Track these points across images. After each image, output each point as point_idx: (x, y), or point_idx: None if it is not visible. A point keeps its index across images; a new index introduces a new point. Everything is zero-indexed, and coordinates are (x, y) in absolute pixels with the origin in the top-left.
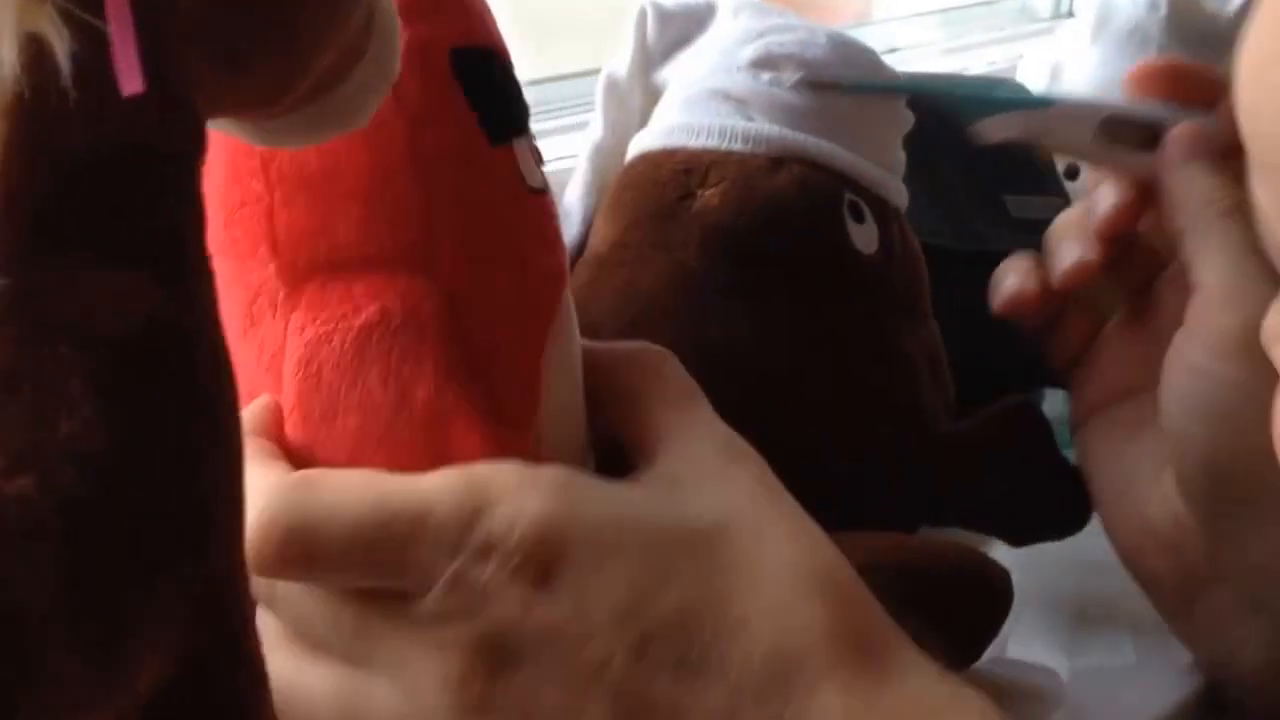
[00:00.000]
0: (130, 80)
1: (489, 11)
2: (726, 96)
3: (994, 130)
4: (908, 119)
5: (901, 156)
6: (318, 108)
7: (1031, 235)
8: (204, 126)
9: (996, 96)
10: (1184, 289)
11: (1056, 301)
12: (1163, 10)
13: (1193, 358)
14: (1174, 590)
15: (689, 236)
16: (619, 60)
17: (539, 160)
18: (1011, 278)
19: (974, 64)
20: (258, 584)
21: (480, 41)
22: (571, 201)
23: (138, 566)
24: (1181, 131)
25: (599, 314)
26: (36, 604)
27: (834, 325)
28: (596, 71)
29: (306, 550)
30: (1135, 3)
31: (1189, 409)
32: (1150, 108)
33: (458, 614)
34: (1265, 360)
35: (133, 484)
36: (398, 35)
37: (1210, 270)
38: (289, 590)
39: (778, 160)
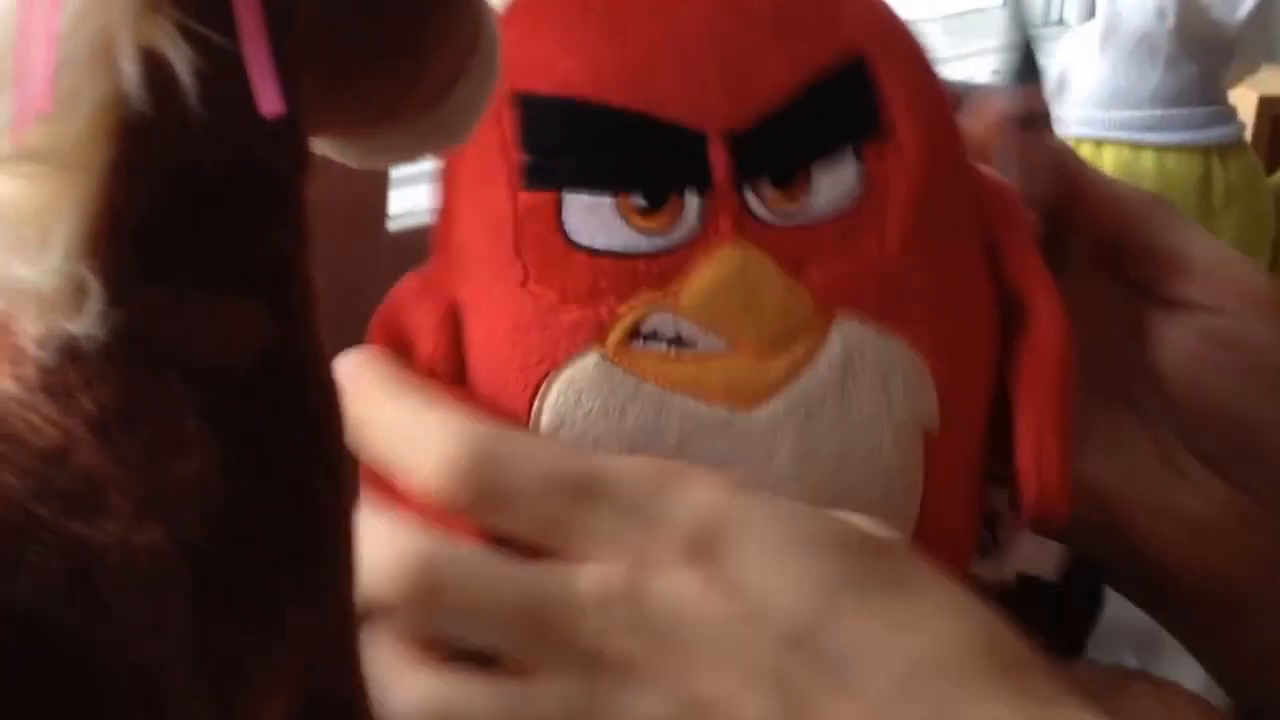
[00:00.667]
0: (269, 100)
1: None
2: None
3: None
4: None
5: None
6: (420, 125)
7: None
8: (309, 146)
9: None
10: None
11: None
12: (1170, 19)
13: (1221, 327)
14: (1219, 603)
15: None
16: None
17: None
18: None
19: (978, 72)
20: (412, 602)
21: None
22: None
23: (261, 612)
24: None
25: None
26: (168, 656)
27: None
28: None
29: (498, 484)
30: (1143, 12)
31: (1205, 371)
32: None
33: (619, 590)
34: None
35: (251, 528)
36: (498, 50)
37: (1184, 243)
38: (450, 594)
39: None
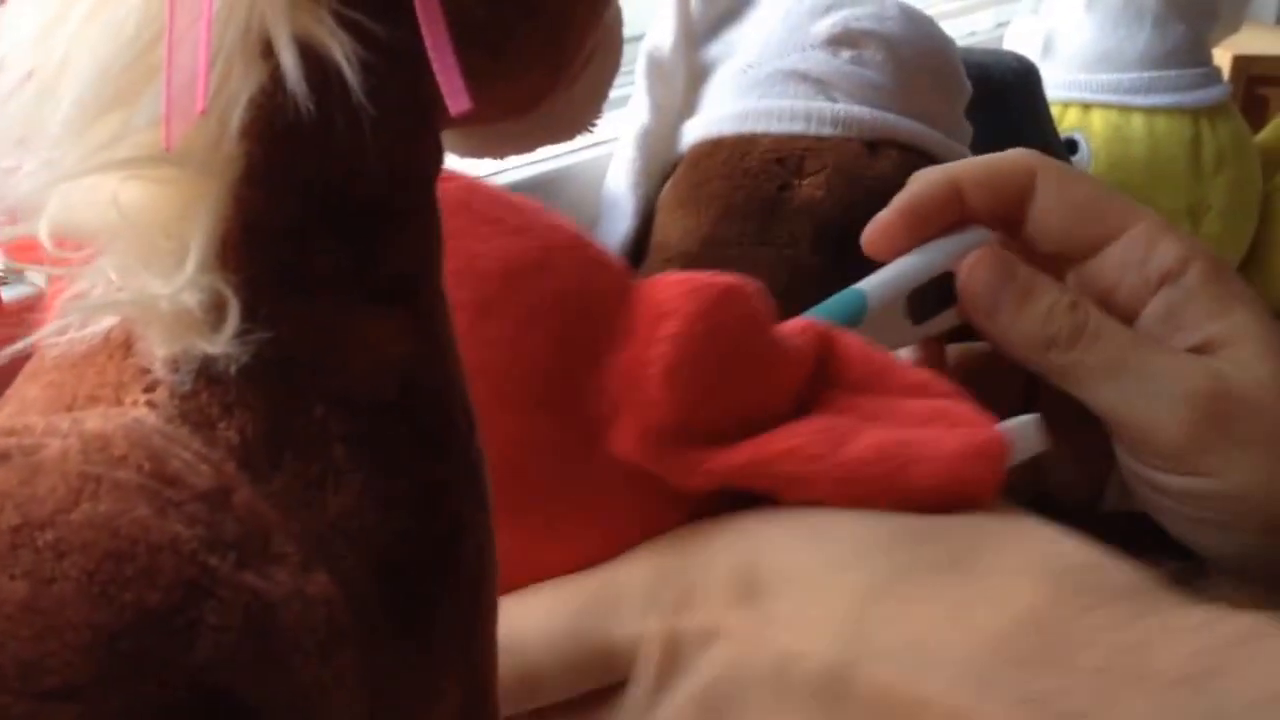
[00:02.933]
0: (457, 97)
1: None
2: (804, 77)
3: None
4: (969, 87)
5: (968, 127)
6: (549, 110)
7: None
8: (441, 143)
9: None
10: None
11: None
12: None
13: (1152, 478)
14: None
15: (798, 230)
16: (660, 35)
17: None
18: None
19: (955, 30)
20: None
21: None
22: (619, 191)
23: (423, 660)
24: (974, 271)
25: None
26: (338, 713)
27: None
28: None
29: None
30: None
31: (1182, 519)
32: (936, 255)
33: (676, 674)
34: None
35: (406, 567)
36: (621, 25)
37: (1097, 402)
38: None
39: (872, 144)
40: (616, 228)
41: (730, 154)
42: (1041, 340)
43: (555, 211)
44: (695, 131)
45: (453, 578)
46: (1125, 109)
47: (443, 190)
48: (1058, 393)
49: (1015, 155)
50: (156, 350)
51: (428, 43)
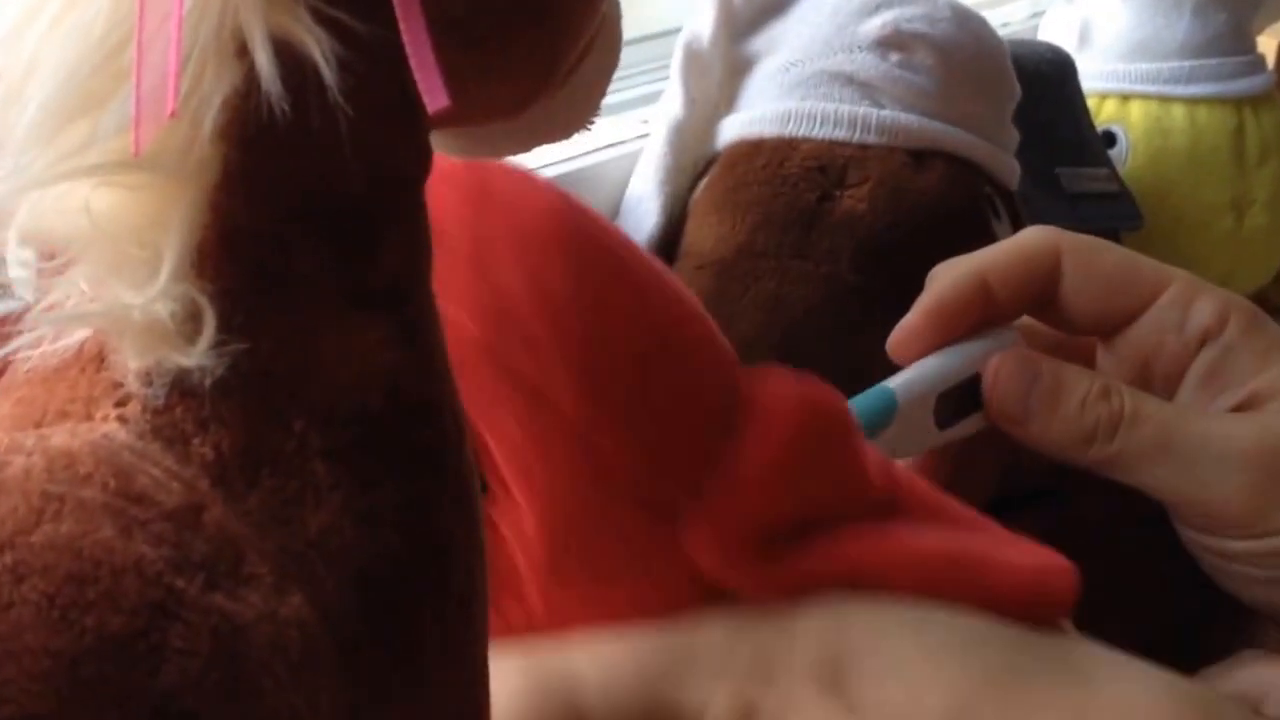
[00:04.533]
0: (435, 94)
1: None
2: (850, 80)
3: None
4: (1018, 90)
5: (1015, 134)
6: (543, 108)
7: (1083, 209)
8: (430, 143)
9: None
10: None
11: None
12: None
13: (1215, 545)
14: None
15: (838, 246)
16: (699, 25)
17: None
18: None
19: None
20: None
21: None
22: (645, 189)
23: (408, 685)
24: (998, 379)
25: (742, 329)
26: None
27: None
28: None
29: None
30: None
31: (1248, 581)
32: (963, 358)
33: None
34: None
35: (389, 586)
36: (620, 17)
37: (1153, 486)
38: None
39: (918, 155)
40: (641, 225)
41: (770, 158)
42: (1080, 438)
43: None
44: (733, 129)
45: (440, 598)
46: (1165, 99)
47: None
48: None
49: (1037, 237)
50: (129, 363)
51: (405, 39)
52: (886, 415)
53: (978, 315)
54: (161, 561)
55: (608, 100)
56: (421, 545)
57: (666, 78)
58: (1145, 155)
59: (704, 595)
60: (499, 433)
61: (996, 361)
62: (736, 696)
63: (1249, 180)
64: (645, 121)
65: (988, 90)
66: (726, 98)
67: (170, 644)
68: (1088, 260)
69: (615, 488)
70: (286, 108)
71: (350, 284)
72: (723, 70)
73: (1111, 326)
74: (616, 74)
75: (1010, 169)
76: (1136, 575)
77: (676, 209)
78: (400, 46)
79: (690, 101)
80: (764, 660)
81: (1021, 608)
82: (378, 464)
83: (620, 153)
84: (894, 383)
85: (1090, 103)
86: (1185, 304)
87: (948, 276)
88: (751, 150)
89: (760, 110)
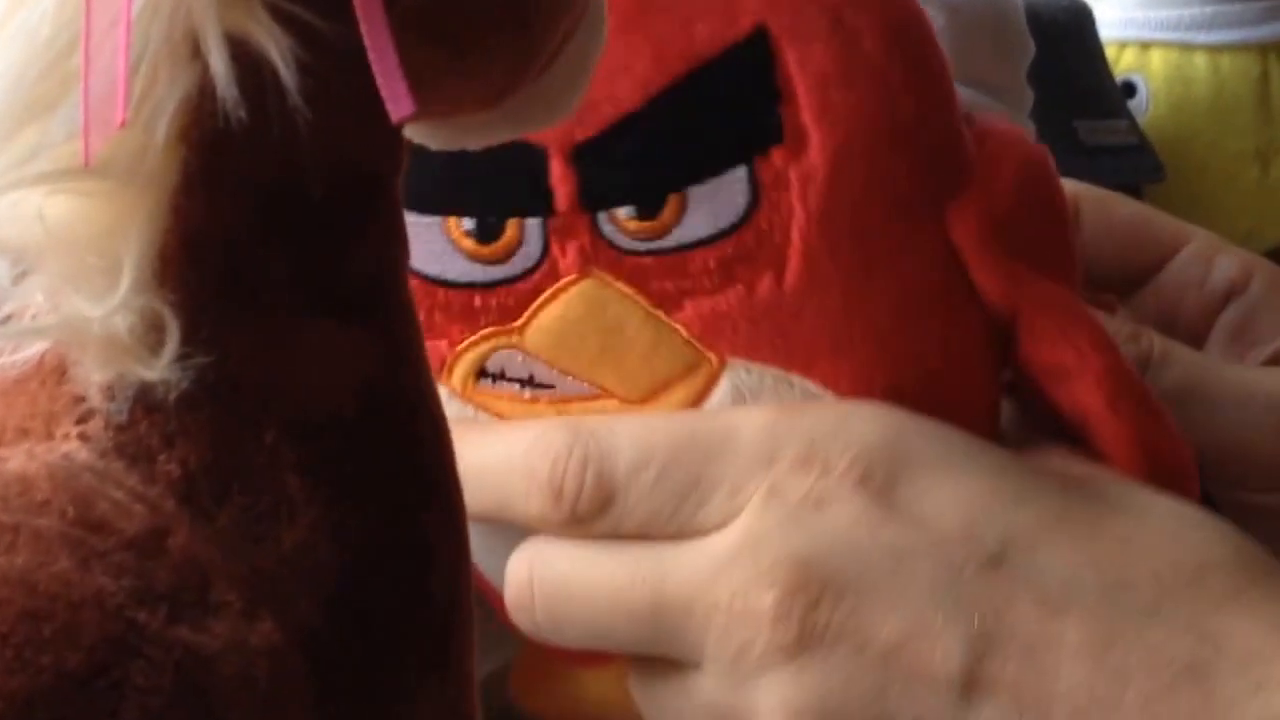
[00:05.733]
0: (399, 101)
1: None
2: None
3: None
4: (1033, 47)
5: (1030, 93)
6: (520, 98)
7: (1102, 162)
8: (403, 137)
9: None
10: None
11: None
12: None
13: (1252, 501)
14: None
15: None
16: None
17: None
18: None
19: None
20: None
21: None
22: None
23: (383, 701)
24: None
25: None
26: None
27: None
28: None
29: (607, 485)
30: None
31: None
32: None
33: (773, 532)
34: None
35: (370, 602)
36: (605, 3)
37: (1191, 433)
38: (574, 608)
39: None
40: None
41: None
42: None
43: None
44: None
45: (421, 616)
46: (1187, 47)
47: None
48: None
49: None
50: (91, 376)
51: (367, 43)
52: None
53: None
54: (122, 594)
55: None
56: (401, 558)
57: None
58: (1166, 105)
59: (944, 308)
60: (808, 65)
61: None
62: (769, 480)
63: (1274, 129)
64: None
65: (1001, 50)
66: None
67: (131, 681)
68: (1104, 213)
69: (902, 141)
70: (243, 113)
71: (321, 288)
72: None
73: (1130, 282)
74: None
75: (1028, 129)
76: None
77: None
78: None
79: None
80: (806, 450)
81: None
82: (354, 475)
83: None
84: None
85: (1109, 52)
86: (1207, 260)
87: None
88: None
89: None
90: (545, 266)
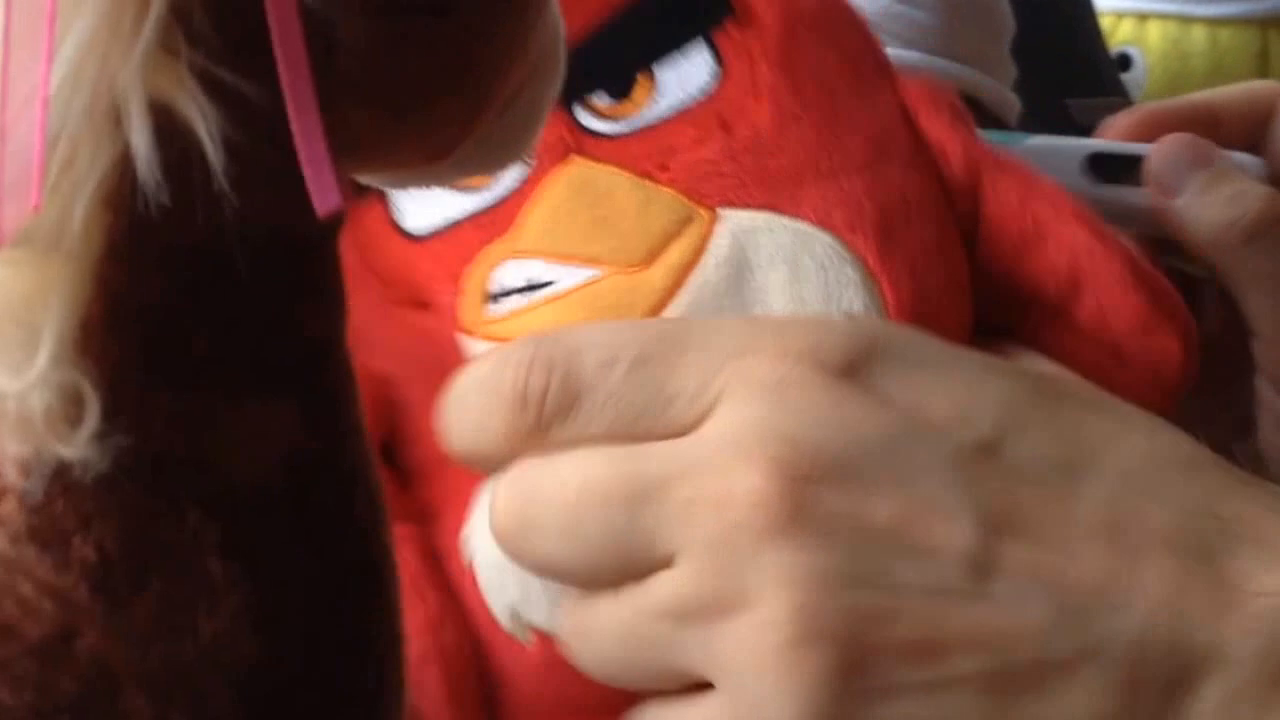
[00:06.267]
0: (325, 194)
1: None
2: None
3: None
4: (1014, 24)
5: (1013, 68)
6: (474, 149)
7: None
8: (347, 198)
9: None
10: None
11: None
12: None
13: None
14: None
15: None
16: None
17: None
18: None
19: None
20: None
21: None
22: None
23: None
24: (1168, 146)
25: None
26: None
27: None
28: None
29: (574, 385)
30: None
31: None
32: (1136, 145)
33: (753, 417)
34: None
35: (291, 695)
36: (562, 49)
37: (1258, 313)
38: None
39: None
40: None
41: None
42: (1223, 222)
43: None
44: None
45: (347, 703)
46: (1185, 20)
47: None
48: None
49: (1264, 82)
50: (7, 451)
51: (295, 133)
52: (1012, 137)
53: (1198, 134)
54: (24, 709)
55: None
56: (329, 646)
57: None
58: (1163, 79)
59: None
60: None
61: (1171, 135)
62: (747, 374)
63: None
64: None
65: (986, 24)
66: None
67: None
68: None
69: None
70: (164, 195)
71: (248, 360)
72: None
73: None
74: None
75: (1010, 104)
76: None
77: None
78: None
79: None
80: (782, 345)
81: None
82: (281, 556)
83: None
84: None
85: (1106, 23)
86: None
87: (1168, 101)
88: None
89: None
90: (531, 170)
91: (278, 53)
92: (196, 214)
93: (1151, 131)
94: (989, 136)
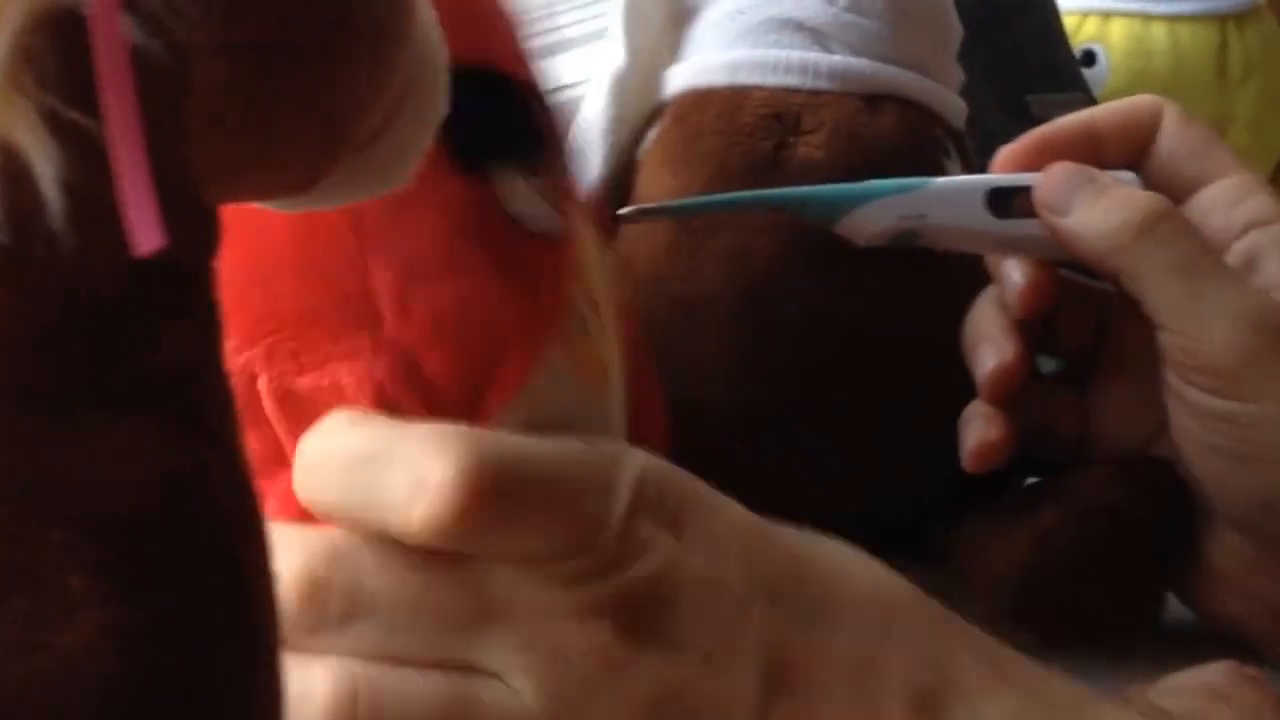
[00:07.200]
0: (146, 234)
1: (501, 30)
2: (799, 26)
3: (867, 223)
4: (960, 29)
5: (960, 73)
6: (349, 172)
7: None
8: (219, 222)
9: (864, 189)
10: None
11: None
12: None
13: (1196, 400)
14: (1265, 628)
15: None
16: None
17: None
18: (972, 427)
19: None
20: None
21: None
22: (588, 139)
23: None
24: (1051, 174)
25: (703, 286)
26: None
27: (963, 283)
28: None
29: (505, 498)
30: None
31: (1215, 453)
32: (1028, 176)
33: (609, 569)
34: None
35: (161, 703)
36: (441, 76)
37: (1161, 305)
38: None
39: (871, 99)
40: (582, 177)
41: (722, 108)
42: (1115, 225)
43: None
44: (680, 80)
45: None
46: (1147, 18)
47: None
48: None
49: (1145, 97)
50: None
51: (116, 171)
52: (915, 183)
53: (1081, 155)
54: None
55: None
56: (194, 665)
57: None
58: (1126, 77)
59: None
60: None
61: (1054, 164)
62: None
63: (1231, 98)
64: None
65: (934, 32)
66: (669, 47)
67: None
68: (1184, 124)
69: None
70: (5, 237)
71: (120, 383)
72: (665, 18)
73: (1176, 193)
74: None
75: (958, 109)
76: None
77: (620, 161)
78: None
79: (634, 52)
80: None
81: None
82: (148, 574)
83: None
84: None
85: (1070, 21)
86: (1245, 192)
87: (1054, 121)
88: (702, 100)
89: (708, 60)
90: None
91: (102, 99)
92: (52, 253)
93: (1040, 155)
94: (895, 185)
